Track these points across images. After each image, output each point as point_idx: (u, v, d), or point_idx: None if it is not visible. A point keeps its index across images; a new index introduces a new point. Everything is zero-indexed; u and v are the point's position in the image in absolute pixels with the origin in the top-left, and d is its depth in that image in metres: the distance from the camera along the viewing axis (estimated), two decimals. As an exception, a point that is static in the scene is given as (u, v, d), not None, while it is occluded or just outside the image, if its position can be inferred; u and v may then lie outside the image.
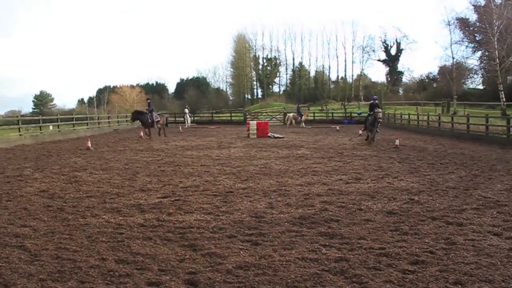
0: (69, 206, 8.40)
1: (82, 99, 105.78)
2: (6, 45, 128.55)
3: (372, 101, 21.88)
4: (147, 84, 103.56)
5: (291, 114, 41.24)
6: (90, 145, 20.46)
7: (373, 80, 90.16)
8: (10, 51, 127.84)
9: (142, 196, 9.26)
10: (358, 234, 6.31)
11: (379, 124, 21.06)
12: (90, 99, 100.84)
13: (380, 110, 21.29)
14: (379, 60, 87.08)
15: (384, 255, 5.40)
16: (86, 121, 35.57)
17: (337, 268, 5.01)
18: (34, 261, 5.43)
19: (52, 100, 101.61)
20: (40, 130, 28.61)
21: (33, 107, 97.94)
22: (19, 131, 25.70)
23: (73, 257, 5.55)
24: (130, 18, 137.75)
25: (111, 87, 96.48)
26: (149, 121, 25.65)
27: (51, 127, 31.95)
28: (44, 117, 32.91)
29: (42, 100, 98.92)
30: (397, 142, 19.47)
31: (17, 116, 35.29)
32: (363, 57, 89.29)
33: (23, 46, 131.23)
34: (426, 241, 5.99)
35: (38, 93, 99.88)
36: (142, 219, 7.37)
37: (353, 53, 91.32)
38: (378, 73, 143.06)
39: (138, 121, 26.54)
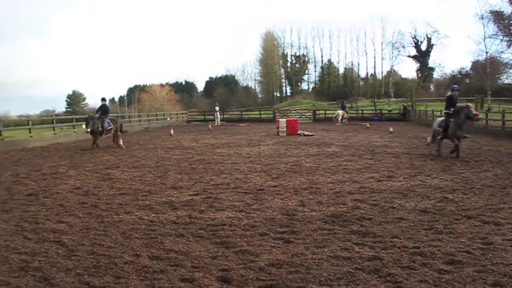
0: (103, 203, 8.56)
1: (113, 98, 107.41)
2: (41, 47, 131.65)
3: (451, 93, 15.00)
4: (176, 82, 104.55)
5: (340, 111, 40.75)
6: (122, 143, 20.77)
7: (403, 76, 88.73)
8: (44, 52, 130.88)
9: (174, 193, 9.37)
10: (391, 233, 6.24)
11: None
12: (121, 98, 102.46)
13: (470, 105, 15.74)
14: (409, 56, 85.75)
15: (418, 254, 5.31)
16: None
17: (370, 266, 4.96)
18: (71, 256, 5.56)
19: (84, 99, 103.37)
20: (73, 128, 29.20)
21: (66, 106, 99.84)
22: (54, 130, 26.31)
23: (108, 253, 5.66)
24: (160, 17, 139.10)
25: (141, 86, 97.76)
26: (99, 129, 19.92)
27: (84, 126, 32.51)
28: (77, 116, 33.57)
29: (74, 100, 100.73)
30: (429, 139, 19.10)
31: (52, 116, 36.07)
32: (392, 53, 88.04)
33: (55, 47, 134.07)
34: (462, 240, 5.87)
35: (70, 92, 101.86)
36: (174, 216, 7.45)
37: (382, 49, 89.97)
38: (408, 69, 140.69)
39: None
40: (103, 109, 20.90)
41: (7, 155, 17.84)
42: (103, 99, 21.82)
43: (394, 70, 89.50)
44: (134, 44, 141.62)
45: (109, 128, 20.62)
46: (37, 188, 10.31)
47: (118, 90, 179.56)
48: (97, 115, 20.38)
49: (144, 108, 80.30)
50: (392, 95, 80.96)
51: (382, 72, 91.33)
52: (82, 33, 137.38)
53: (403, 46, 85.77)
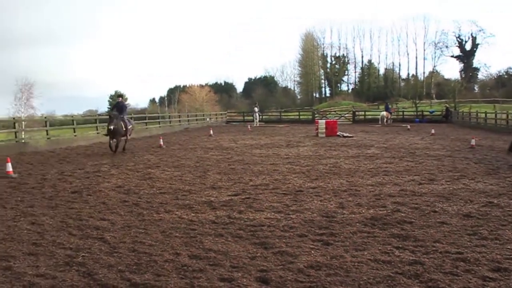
0: (143, 202, 8.72)
1: (154, 99, 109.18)
2: (84, 49, 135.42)
3: None
4: (216, 83, 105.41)
5: (384, 113, 40.25)
6: (162, 143, 21.10)
7: (446, 77, 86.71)
8: (88, 54, 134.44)
9: (213, 193, 9.44)
10: (433, 237, 6.09)
11: None
12: (161, 98, 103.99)
13: None
14: (452, 56, 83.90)
15: (461, 260, 5.16)
16: (158, 120, 36.79)
17: (411, 271, 4.85)
18: (113, 253, 5.69)
19: (126, 100, 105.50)
20: (116, 128, 29.81)
21: (109, 106, 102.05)
22: (97, 129, 26.98)
23: (149, 250, 5.75)
24: (200, 19, 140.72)
25: (181, 86, 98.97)
26: (123, 128, 17.81)
27: (131, 126, 33.21)
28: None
29: (117, 100, 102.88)
30: (473, 142, 18.60)
31: (95, 115, 36.99)
32: (435, 53, 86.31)
33: (99, 49, 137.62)
34: (509, 247, 5.65)
35: (113, 93, 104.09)
36: (213, 216, 7.51)
37: (424, 50, 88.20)
38: (451, 70, 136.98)
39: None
40: (120, 108, 18.40)
41: (53, 153, 18.45)
42: (120, 96, 20.30)
43: (436, 71, 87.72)
44: (175, 45, 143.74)
45: (130, 128, 18.98)
46: (81, 185, 10.60)
47: (158, 91, 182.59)
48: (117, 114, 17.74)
49: (183, 109, 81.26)
50: (434, 96, 79.29)
51: (424, 73, 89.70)
52: (124, 35, 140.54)
53: (446, 46, 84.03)
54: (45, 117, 31.63)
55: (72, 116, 31.93)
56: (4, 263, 5.33)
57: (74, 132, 24.80)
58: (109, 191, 9.90)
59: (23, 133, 25.83)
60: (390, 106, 42.93)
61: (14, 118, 30.17)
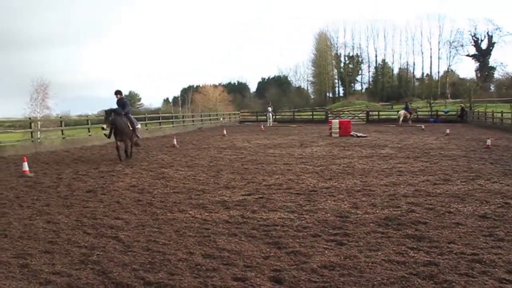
0: (157, 201, 8.77)
1: (167, 99, 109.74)
2: (99, 50, 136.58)
3: None
4: (229, 83, 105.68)
5: (401, 112, 39.94)
6: (175, 142, 21.19)
7: (461, 76, 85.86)
8: (102, 54, 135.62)
9: (227, 193, 9.46)
10: (447, 238, 6.03)
11: None
12: (175, 98, 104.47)
13: None
14: (468, 55, 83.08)
15: (477, 262, 5.10)
16: (171, 120, 36.96)
17: (425, 272, 4.81)
18: (127, 251, 5.73)
19: (139, 99, 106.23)
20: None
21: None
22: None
23: (163, 249, 5.79)
24: (214, 18, 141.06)
25: (195, 86, 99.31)
26: (130, 128, 15.38)
27: (139, 126, 33.44)
28: (133, 116, 34.49)
29: (130, 100, 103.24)
30: (488, 142, 18.38)
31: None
32: (450, 52, 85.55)
33: (113, 50, 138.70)
34: (526, 249, 5.58)
35: (127, 93, 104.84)
36: (227, 215, 7.53)
37: (439, 49, 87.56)
38: (466, 69, 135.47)
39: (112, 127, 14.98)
40: (122, 105, 15.57)
41: (68, 152, 18.65)
42: (118, 92, 15.74)
43: (451, 70, 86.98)
44: (187, 45, 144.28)
45: (138, 127, 16.23)
46: (96, 185, 10.69)
47: (172, 91, 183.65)
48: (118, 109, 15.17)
49: (197, 108, 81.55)
50: (449, 96, 78.58)
51: (438, 72, 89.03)
52: (138, 36, 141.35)
53: (462, 45, 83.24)
54: (60, 117, 32.03)
55: (86, 116, 32.19)
56: (22, 261, 5.42)
57: (89, 132, 25.01)
58: (123, 190, 9.97)
59: (38, 133, 26.18)
60: (410, 106, 42.35)
61: (30, 118, 30.52)
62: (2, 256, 5.64)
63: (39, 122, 31.08)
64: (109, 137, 15.51)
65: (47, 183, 11.04)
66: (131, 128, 15.28)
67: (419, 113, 48.58)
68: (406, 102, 45.67)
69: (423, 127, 33.15)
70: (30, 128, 22.51)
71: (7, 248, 5.98)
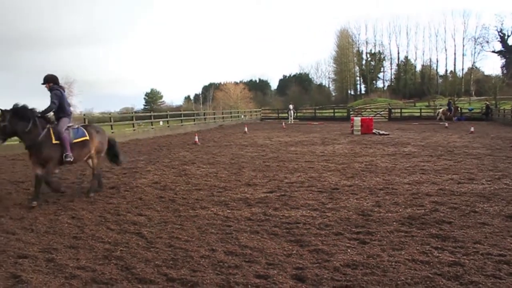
0: (179, 198, 8.81)
1: (189, 96, 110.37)
2: (122, 48, 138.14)
3: None
4: (251, 81, 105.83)
5: (441, 109, 39.40)
6: (197, 140, 21.30)
7: (486, 73, 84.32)
8: (125, 53, 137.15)
9: (249, 190, 9.46)
10: (473, 238, 5.92)
11: None
12: (196, 95, 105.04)
13: None
14: (493, 52, 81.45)
15: (504, 263, 4.99)
16: (193, 117, 37.20)
17: (451, 272, 4.73)
18: (150, 248, 5.77)
19: (161, 97, 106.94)
20: (152, 125, 30.34)
21: (144, 104, 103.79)
22: (133, 127, 27.48)
23: (185, 246, 5.81)
24: (235, 16, 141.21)
25: (216, 84, 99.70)
26: (53, 142, 8.47)
27: (161, 123, 33.76)
28: (155, 114, 34.82)
29: (152, 97, 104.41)
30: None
31: (131, 113, 37.66)
32: (475, 49, 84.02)
33: (135, 48, 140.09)
34: (554, 249, 5.44)
35: (149, 91, 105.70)
36: (249, 213, 7.53)
37: (463, 45, 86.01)
38: (492, 66, 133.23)
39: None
40: (55, 97, 8.73)
41: (91, 149, 18.83)
42: (48, 80, 8.90)
43: (476, 67, 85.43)
44: (209, 43, 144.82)
45: (77, 141, 8.91)
46: (118, 181, 10.81)
47: (193, 88, 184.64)
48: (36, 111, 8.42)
49: (218, 106, 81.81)
50: (473, 93, 77.28)
51: (462, 69, 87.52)
52: (160, 34, 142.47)
53: (487, 41, 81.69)
54: (84, 115, 32.41)
55: (109, 114, 32.59)
56: (48, 255, 5.52)
57: (112, 129, 25.30)
58: (145, 187, 10.05)
59: (63, 130, 26.46)
60: (453, 104, 41.42)
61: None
62: (30, 250, 5.75)
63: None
64: None
65: (71, 179, 11.21)
66: (55, 142, 8.46)
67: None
68: (449, 100, 44.93)
69: (446, 125, 32.69)
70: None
71: (33, 242, 6.09)
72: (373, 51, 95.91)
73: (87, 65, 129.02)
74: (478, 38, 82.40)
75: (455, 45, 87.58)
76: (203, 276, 4.77)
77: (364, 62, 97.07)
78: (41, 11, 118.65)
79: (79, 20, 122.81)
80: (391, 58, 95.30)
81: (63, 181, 10.89)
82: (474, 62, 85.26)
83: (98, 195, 9.17)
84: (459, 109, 43.34)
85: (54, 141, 8.42)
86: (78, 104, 53.96)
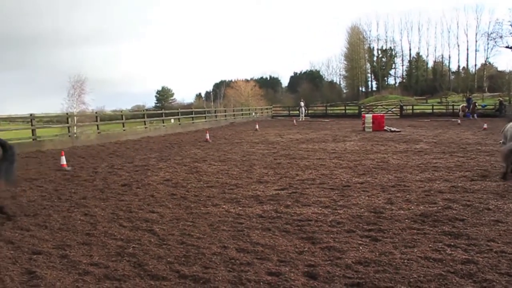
0: (191, 195, 8.85)
1: (200, 94, 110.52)
2: (133, 47, 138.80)
3: None
4: (261, 78, 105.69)
5: (460, 106, 39.07)
6: (208, 137, 21.33)
7: (499, 69, 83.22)
8: (136, 51, 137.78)
9: (260, 187, 9.47)
10: (487, 236, 5.86)
11: None
12: (207, 93, 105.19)
13: None
14: (507, 47, 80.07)
15: (519, 261, 4.95)
16: (204, 115, 37.20)
17: (464, 270, 4.70)
18: (162, 244, 5.81)
19: (172, 95, 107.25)
20: (163, 123, 30.46)
21: (156, 101, 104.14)
22: (145, 124, 27.60)
23: (197, 243, 5.84)
24: (244, 13, 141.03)
25: (227, 81, 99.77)
26: None
27: (172, 120, 33.89)
28: (167, 111, 34.95)
29: (163, 95, 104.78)
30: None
31: (143, 111, 37.86)
32: (488, 44, 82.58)
33: (147, 46, 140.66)
34: None
35: (160, 88, 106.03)
36: (260, 210, 7.53)
37: (476, 41, 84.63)
38: (506, 62, 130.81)
39: None
40: None
41: (103, 147, 19.02)
42: None
43: (489, 63, 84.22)
44: (220, 41, 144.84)
45: None
46: (130, 179, 10.87)
47: (204, 86, 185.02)
48: None
49: (229, 103, 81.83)
50: (486, 89, 76.45)
51: (475, 65, 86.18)
52: (171, 31, 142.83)
53: (501, 36, 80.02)
54: (96, 113, 32.64)
55: (121, 112, 32.77)
56: (61, 252, 5.59)
57: (123, 126, 25.45)
58: (157, 184, 10.10)
59: (75, 127, 26.77)
60: (472, 100, 40.87)
61: (67, 114, 31.20)
62: (44, 246, 5.83)
63: (75, 117, 31.80)
64: None
65: (84, 177, 11.30)
66: None
67: (455, 107, 47.46)
68: (469, 97, 44.43)
69: (459, 121, 32.38)
70: (67, 123, 23.08)
71: (47, 239, 6.16)
72: (384, 48, 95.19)
73: (99, 63, 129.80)
74: (491, 33, 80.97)
75: (467, 41, 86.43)
76: (215, 273, 4.79)
77: (375, 58, 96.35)
78: (56, 12, 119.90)
79: (92, 20, 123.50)
80: (402, 54, 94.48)
81: (76, 178, 10.98)
82: (487, 58, 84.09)
83: (111, 192, 9.24)
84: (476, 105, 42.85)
85: None
86: (91, 102, 54.08)
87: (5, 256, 5.48)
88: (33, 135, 19.26)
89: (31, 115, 19.60)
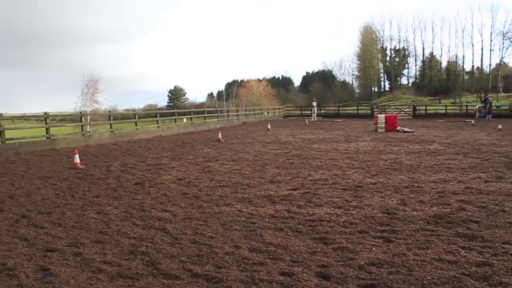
0: (204, 195, 8.86)
1: (212, 93, 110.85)
2: (146, 46, 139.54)
3: None
4: (274, 77, 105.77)
5: (477, 106, 38.81)
6: (220, 136, 21.36)
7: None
8: (149, 50, 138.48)
9: (272, 187, 9.45)
10: (502, 238, 5.79)
11: None
12: (219, 92, 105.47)
13: None
14: (523, 47, 79.41)
15: (535, 263, 4.88)
16: (216, 114, 37.28)
17: (479, 273, 4.64)
18: (175, 243, 5.83)
19: (184, 94, 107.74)
20: (175, 122, 30.57)
21: (168, 101, 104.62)
22: (157, 123, 27.71)
23: (209, 242, 5.84)
24: (257, 13, 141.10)
25: (239, 81, 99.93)
26: None
27: (185, 120, 33.99)
28: (179, 110, 35.04)
29: (176, 94, 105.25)
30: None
31: (155, 110, 38.03)
32: (503, 44, 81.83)
33: (160, 45, 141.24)
34: None
35: (172, 87, 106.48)
36: (273, 210, 7.52)
37: (491, 40, 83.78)
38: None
39: None
40: None
41: (116, 146, 19.13)
42: None
43: (504, 63, 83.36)
44: (233, 40, 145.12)
45: None
46: (143, 177, 10.92)
47: (216, 85, 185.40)
48: None
49: (241, 103, 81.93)
50: (501, 89, 75.61)
51: (490, 65, 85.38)
52: (183, 30, 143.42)
53: (516, 35, 79.59)
54: (109, 111, 32.83)
55: (133, 110, 32.92)
56: (75, 249, 5.63)
57: (136, 125, 25.57)
58: (170, 183, 10.14)
59: (88, 126, 26.99)
60: (489, 100, 40.40)
61: (81, 112, 31.46)
62: (58, 244, 5.88)
63: (89, 116, 32.02)
64: None
65: (97, 175, 11.38)
66: None
67: (468, 107, 47.01)
68: (485, 97, 44.00)
69: (473, 122, 32.06)
70: (81, 121, 23.26)
71: (61, 236, 6.22)
72: (397, 47, 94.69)
73: (112, 62, 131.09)
74: (506, 32, 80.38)
75: (482, 40, 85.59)
76: (228, 273, 4.79)
77: (388, 58, 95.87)
78: (69, 11, 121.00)
79: (105, 19, 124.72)
80: (415, 54, 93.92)
81: (89, 177, 11.06)
82: (502, 58, 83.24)
83: (124, 191, 9.30)
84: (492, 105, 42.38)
85: None
86: (104, 101, 54.68)
87: (20, 253, 5.54)
88: (47, 133, 19.44)
89: (45, 113, 19.76)
